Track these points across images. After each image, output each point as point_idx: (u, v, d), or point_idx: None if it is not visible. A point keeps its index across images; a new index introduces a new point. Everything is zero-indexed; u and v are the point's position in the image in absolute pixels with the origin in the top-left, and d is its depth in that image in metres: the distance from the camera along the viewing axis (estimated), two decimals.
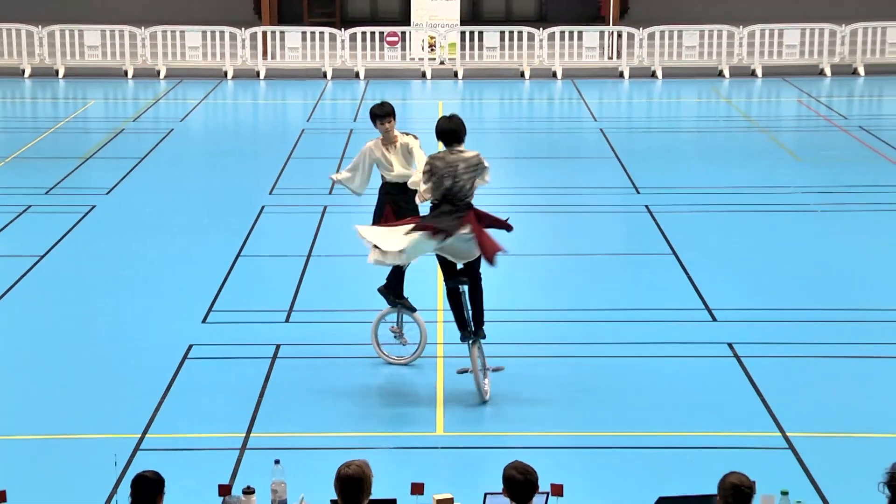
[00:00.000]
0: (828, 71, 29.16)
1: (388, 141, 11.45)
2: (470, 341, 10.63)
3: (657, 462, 9.68)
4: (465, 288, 10.67)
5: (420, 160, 11.26)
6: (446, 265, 10.64)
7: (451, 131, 10.61)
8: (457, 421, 10.35)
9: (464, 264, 10.58)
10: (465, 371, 10.74)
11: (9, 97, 27.20)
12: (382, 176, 11.50)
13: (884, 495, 6.50)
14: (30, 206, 17.34)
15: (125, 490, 8.68)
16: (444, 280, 10.79)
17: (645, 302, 13.40)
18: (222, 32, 29.22)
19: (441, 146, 10.83)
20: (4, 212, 17.00)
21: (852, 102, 26.60)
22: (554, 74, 29.25)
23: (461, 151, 10.54)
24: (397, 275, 11.41)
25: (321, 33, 29.35)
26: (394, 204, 11.32)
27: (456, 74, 29.29)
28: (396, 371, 11.40)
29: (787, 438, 10.01)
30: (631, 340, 12.26)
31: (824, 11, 33.14)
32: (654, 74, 29.27)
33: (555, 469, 9.13)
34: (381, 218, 11.28)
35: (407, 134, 11.71)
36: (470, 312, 10.66)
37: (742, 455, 9.70)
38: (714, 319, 12.82)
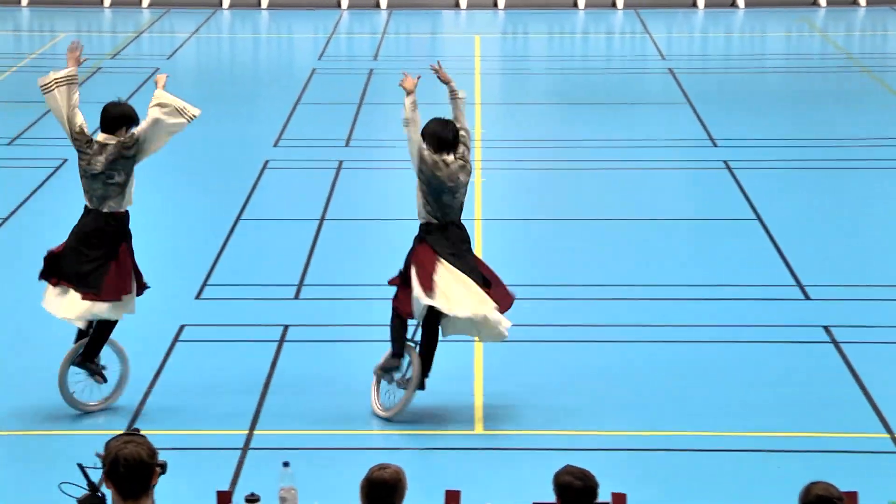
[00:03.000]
0: None
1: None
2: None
3: (737, 467, 9.70)
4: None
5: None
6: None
7: (449, 140, 10.18)
8: (498, 418, 10.40)
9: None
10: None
11: None
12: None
13: None
14: None
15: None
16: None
17: (723, 277, 13.40)
18: None
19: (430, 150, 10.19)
20: None
21: None
22: (613, 4, 29.16)
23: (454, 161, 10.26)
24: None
25: None
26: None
27: (496, 3, 29.23)
28: None
29: (895, 440, 10.01)
30: (706, 323, 12.27)
31: None
32: (734, 3, 29.12)
33: (614, 476, 9.16)
34: None
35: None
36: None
37: (840, 460, 9.71)
38: (807, 298, 12.81)
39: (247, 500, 7.45)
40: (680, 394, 10.85)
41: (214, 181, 16.63)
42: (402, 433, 10.17)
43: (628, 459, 9.82)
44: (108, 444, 5.53)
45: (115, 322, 10.39)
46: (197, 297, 12.83)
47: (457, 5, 29.19)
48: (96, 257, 10.22)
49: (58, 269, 10.29)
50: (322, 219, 15.09)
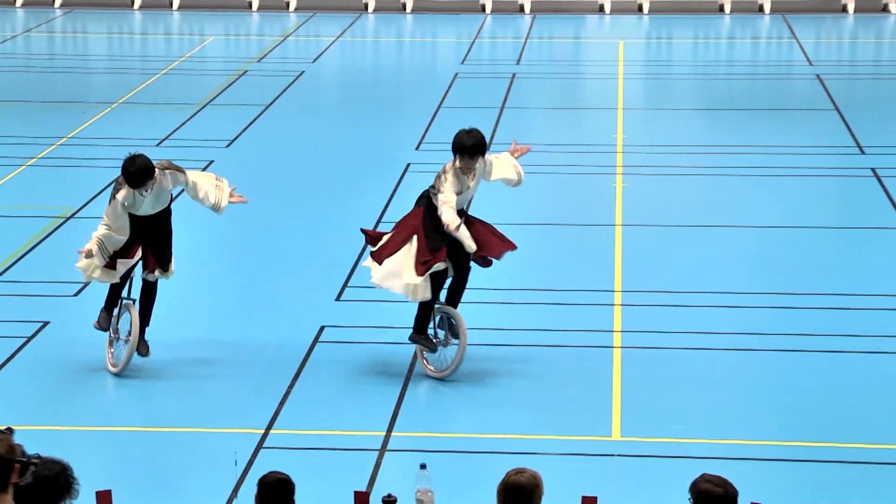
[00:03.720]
0: None
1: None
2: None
3: (879, 480, 9.55)
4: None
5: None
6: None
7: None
8: (636, 424, 10.36)
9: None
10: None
11: (115, 32, 27.89)
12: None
13: None
14: None
15: (246, 492, 8.90)
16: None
17: (871, 286, 13.19)
18: None
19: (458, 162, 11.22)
20: (108, 166, 17.47)
21: None
22: (760, 9, 28.84)
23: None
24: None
25: None
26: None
27: (640, 8, 29.09)
28: (566, 364, 11.45)
29: None
30: (851, 332, 12.09)
31: None
32: (885, 8, 28.63)
33: (753, 486, 9.09)
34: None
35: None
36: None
37: None
38: None
39: (384, 502, 7.52)
40: (824, 403, 10.71)
41: (356, 184, 16.77)
42: (540, 438, 10.18)
43: (769, 469, 9.71)
44: None
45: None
46: (337, 299, 12.96)
47: (601, 10, 29.11)
48: None
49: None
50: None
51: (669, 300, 12.88)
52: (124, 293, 11.47)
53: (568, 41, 27.20)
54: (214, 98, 21.48)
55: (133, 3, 29.60)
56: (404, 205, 15.94)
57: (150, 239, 11.42)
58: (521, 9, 29.24)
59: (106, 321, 11.39)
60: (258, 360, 11.59)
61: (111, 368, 11.32)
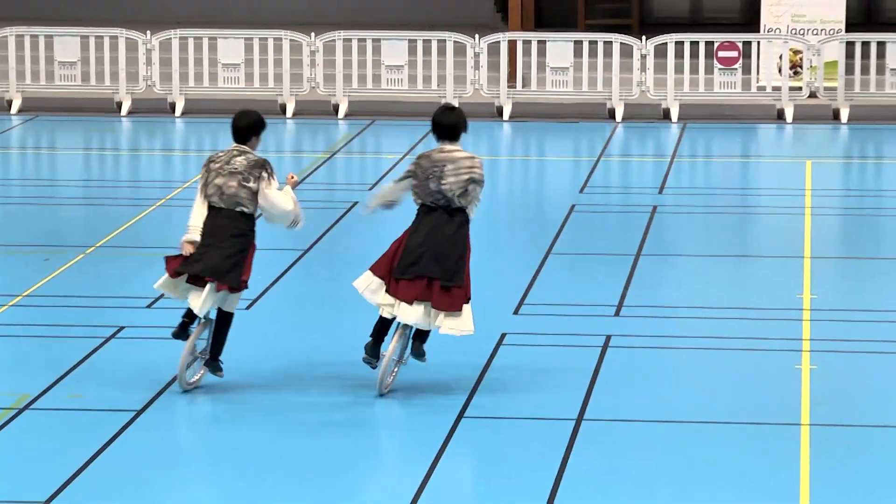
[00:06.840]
0: None
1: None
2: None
3: None
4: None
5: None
6: None
7: (447, 125, 15.73)
8: None
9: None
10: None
11: (95, 147, 28.29)
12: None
13: None
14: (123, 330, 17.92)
15: None
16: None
17: None
18: (442, 42, 29.79)
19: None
20: (79, 335, 17.56)
21: None
22: None
23: (452, 150, 15.59)
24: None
25: (606, 43, 29.66)
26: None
27: (836, 115, 29.15)
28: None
29: None
30: None
31: None
32: None
33: None
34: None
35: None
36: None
37: None
38: None
39: None
40: None
41: (441, 360, 16.79)
42: None
43: None
44: None
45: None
46: None
47: (779, 117, 29.19)
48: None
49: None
50: None
51: None
52: None
53: (732, 160, 27.28)
54: None
55: (120, 107, 29.97)
56: (487, 387, 15.88)
57: None
58: (666, 115, 29.40)
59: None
60: None
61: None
